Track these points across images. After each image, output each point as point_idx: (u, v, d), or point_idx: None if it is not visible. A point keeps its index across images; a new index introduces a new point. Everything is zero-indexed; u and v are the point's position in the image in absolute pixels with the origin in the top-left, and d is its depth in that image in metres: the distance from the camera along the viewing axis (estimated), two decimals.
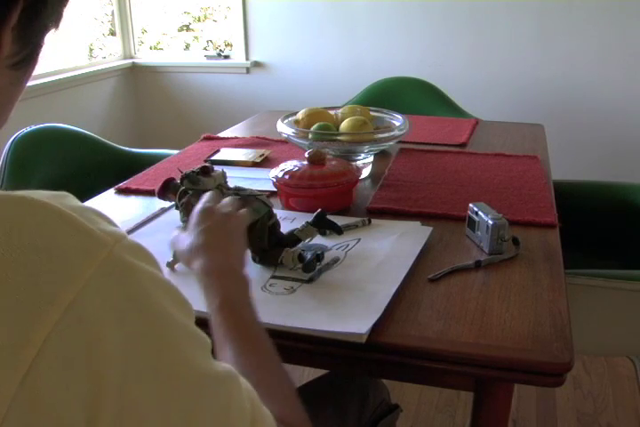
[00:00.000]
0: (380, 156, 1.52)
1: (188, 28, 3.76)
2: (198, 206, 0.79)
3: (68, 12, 0.45)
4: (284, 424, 0.51)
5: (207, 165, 0.96)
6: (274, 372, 0.60)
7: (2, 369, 0.33)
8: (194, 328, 0.44)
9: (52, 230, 0.37)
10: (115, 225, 0.42)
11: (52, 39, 0.46)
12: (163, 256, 0.95)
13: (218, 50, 3.52)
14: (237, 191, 0.96)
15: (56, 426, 0.35)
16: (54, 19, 0.44)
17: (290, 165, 1.17)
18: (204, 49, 3.68)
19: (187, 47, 3.76)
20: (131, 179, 1.36)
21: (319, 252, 0.92)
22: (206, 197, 0.82)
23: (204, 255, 0.72)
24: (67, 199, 0.41)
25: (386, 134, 1.36)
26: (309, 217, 0.96)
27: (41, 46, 0.45)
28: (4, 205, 0.37)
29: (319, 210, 0.96)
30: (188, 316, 0.44)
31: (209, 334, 0.49)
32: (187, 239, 0.76)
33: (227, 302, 0.66)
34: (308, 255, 0.89)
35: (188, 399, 0.40)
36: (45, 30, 0.44)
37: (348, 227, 1.07)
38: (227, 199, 0.82)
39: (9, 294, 0.34)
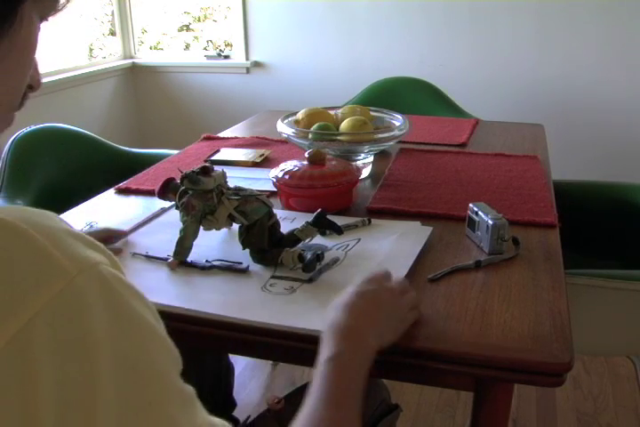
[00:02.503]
0: (380, 156, 1.52)
1: (187, 28, 3.76)
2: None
3: None
4: None
5: (207, 165, 0.96)
6: None
7: None
8: (171, 381, 0.39)
9: (9, 253, 0.34)
10: (97, 250, 0.39)
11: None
12: (163, 255, 0.96)
13: (218, 50, 3.52)
14: (237, 191, 0.96)
15: None
16: None
17: (290, 165, 1.17)
18: (204, 49, 3.68)
19: (187, 47, 3.76)
20: (131, 179, 1.36)
21: (319, 252, 0.91)
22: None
23: (344, 313, 0.68)
24: (45, 219, 0.38)
25: (386, 134, 1.36)
26: (309, 217, 0.96)
27: (10, 20, 0.40)
28: None
29: (319, 210, 0.96)
30: (167, 364, 0.39)
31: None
32: (345, 296, 0.72)
33: (339, 358, 0.62)
34: (308, 255, 0.89)
35: None
36: (10, 1, 0.40)
37: (348, 227, 1.07)
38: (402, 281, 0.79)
39: None
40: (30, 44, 0.44)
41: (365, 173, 1.39)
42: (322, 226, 0.95)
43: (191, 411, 0.41)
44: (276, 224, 0.97)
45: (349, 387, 0.60)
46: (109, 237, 1.00)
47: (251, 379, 1.91)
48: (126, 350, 0.36)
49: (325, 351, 0.64)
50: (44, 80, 2.69)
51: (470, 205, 1.04)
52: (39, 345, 0.33)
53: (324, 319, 0.69)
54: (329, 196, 1.15)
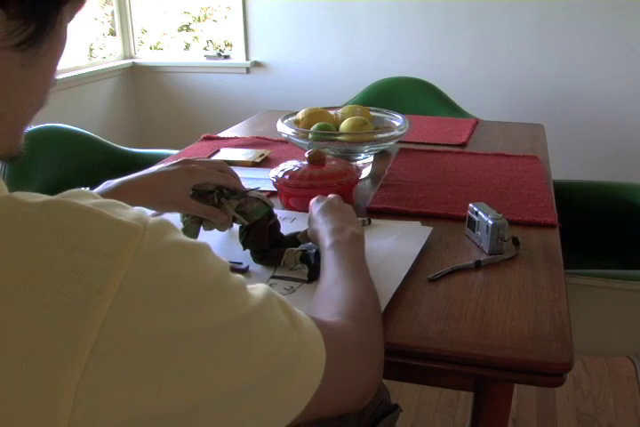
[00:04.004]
0: (380, 156, 1.52)
1: (187, 28, 3.76)
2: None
3: None
4: (349, 318, 0.61)
5: None
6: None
7: (62, 361, 0.35)
8: (229, 280, 0.46)
9: (88, 228, 0.38)
10: (131, 209, 0.43)
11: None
12: None
13: (218, 50, 3.52)
14: (237, 191, 0.96)
15: (125, 414, 0.36)
16: None
17: (290, 165, 1.17)
18: (204, 49, 3.68)
19: (187, 47, 3.76)
20: None
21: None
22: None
23: (322, 223, 0.87)
24: (86, 196, 0.42)
25: (386, 134, 1.36)
26: None
27: (54, 20, 0.42)
28: (44, 210, 0.38)
29: None
30: (221, 271, 0.46)
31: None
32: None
33: (338, 243, 0.79)
34: (311, 257, 0.89)
35: (238, 341, 0.43)
36: (53, 4, 0.41)
37: None
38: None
39: (59, 290, 0.36)
40: (64, 43, 0.46)
41: (365, 173, 1.39)
42: None
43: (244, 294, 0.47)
44: (277, 224, 0.97)
45: (358, 258, 0.78)
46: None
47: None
48: (205, 279, 0.43)
49: (326, 242, 0.81)
50: None
51: (470, 205, 1.04)
52: (141, 291, 0.38)
53: (309, 231, 0.91)
54: None
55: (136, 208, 0.43)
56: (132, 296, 0.37)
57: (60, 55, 0.47)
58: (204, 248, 0.45)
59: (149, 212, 0.99)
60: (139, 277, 0.38)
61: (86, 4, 0.46)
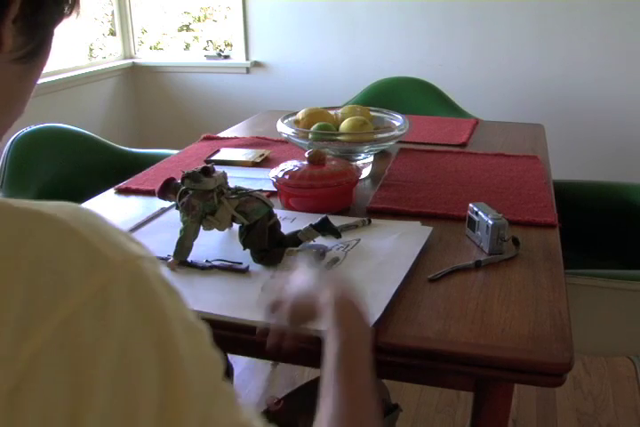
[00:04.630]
0: (380, 156, 1.52)
1: (187, 28, 3.76)
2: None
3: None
4: None
5: (208, 165, 0.96)
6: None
7: None
8: (214, 382, 0.40)
9: (58, 245, 0.36)
10: (139, 244, 0.40)
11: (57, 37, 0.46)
12: (163, 255, 0.96)
13: (218, 50, 3.52)
14: (237, 191, 0.96)
15: None
16: (64, 8, 0.42)
17: (290, 165, 1.17)
18: (204, 49, 3.68)
19: (187, 47, 3.75)
20: (131, 179, 1.36)
21: (321, 250, 0.91)
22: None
23: (338, 288, 0.67)
24: (87, 215, 0.40)
25: (386, 134, 1.36)
26: (309, 217, 0.96)
27: (50, 38, 0.43)
28: (14, 218, 0.37)
29: (325, 216, 0.96)
30: (209, 369, 0.40)
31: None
32: (305, 275, 0.72)
33: (349, 343, 0.63)
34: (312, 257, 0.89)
35: None
36: (54, 21, 0.42)
37: (348, 227, 1.07)
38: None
39: (10, 307, 0.34)
40: (48, 58, 0.47)
41: (365, 173, 1.39)
42: (324, 230, 0.96)
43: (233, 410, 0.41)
44: (277, 224, 0.97)
45: (364, 382, 0.61)
46: None
47: (251, 379, 1.91)
48: (175, 337, 0.37)
49: (335, 334, 0.64)
50: (45, 80, 2.70)
51: (470, 205, 1.04)
52: (92, 328, 0.34)
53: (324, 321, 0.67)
54: (329, 196, 1.15)
55: (144, 245, 0.40)
56: (77, 332, 0.34)
57: (44, 67, 0.47)
58: (200, 330, 0.41)
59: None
60: (93, 314, 0.34)
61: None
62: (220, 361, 0.42)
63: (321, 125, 1.39)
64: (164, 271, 0.41)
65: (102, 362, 0.34)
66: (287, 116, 1.46)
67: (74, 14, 0.44)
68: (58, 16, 0.42)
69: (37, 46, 0.42)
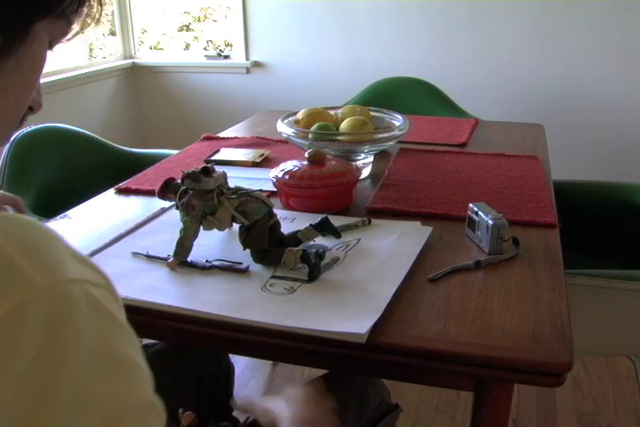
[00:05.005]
0: (380, 156, 1.52)
1: (188, 28, 3.76)
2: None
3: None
4: None
5: (208, 165, 0.96)
6: None
7: None
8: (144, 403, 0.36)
9: None
10: (90, 268, 0.37)
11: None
12: (163, 255, 0.96)
13: (218, 50, 3.52)
14: (237, 191, 0.96)
15: None
16: (50, 6, 0.41)
17: (290, 165, 1.17)
18: (204, 49, 3.68)
19: (187, 47, 3.76)
20: (131, 179, 1.36)
21: (321, 250, 0.91)
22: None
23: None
24: (27, 230, 0.36)
25: (386, 134, 1.36)
26: (309, 217, 0.96)
27: (19, 37, 0.41)
28: None
29: (325, 216, 0.96)
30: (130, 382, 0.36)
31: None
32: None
33: None
34: (311, 256, 0.89)
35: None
36: (31, 17, 0.41)
37: (348, 227, 1.07)
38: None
39: None
40: (37, 65, 0.45)
41: (365, 173, 1.39)
42: (324, 230, 0.96)
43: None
44: (277, 224, 0.97)
45: None
46: None
47: (251, 379, 1.91)
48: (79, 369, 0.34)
49: None
50: (45, 80, 2.69)
51: (470, 205, 1.04)
52: None
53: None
54: (329, 196, 1.15)
55: (100, 271, 0.37)
56: None
57: (34, 77, 0.45)
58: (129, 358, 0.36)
59: None
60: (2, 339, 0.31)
61: (77, 37, 0.46)
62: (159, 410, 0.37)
63: (321, 125, 1.39)
64: (111, 298, 0.37)
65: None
66: (287, 116, 1.46)
67: (73, 17, 0.43)
68: (38, 12, 0.41)
69: (7, 42, 0.40)
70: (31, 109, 0.49)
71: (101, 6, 0.45)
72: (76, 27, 0.46)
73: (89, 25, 0.45)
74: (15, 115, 0.45)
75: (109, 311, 0.36)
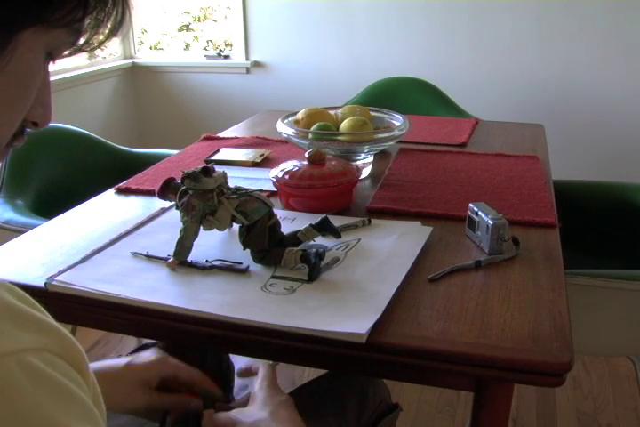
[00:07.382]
0: (380, 156, 1.52)
1: (187, 28, 3.76)
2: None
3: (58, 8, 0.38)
4: None
5: (208, 166, 0.96)
6: None
7: None
8: None
9: None
10: (36, 332, 0.34)
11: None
12: (163, 255, 0.96)
13: (218, 50, 3.52)
14: (237, 191, 0.96)
15: None
16: (41, 13, 0.38)
17: (290, 165, 1.17)
18: (204, 49, 3.68)
19: (187, 47, 3.75)
20: (131, 179, 1.36)
21: (321, 250, 0.91)
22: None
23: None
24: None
25: (386, 134, 1.36)
26: (309, 217, 0.96)
27: (12, 41, 0.38)
28: None
29: (325, 216, 0.96)
30: None
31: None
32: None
33: None
34: (311, 256, 0.89)
35: None
36: (15, 22, 0.38)
37: (348, 227, 1.07)
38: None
39: None
40: (27, 78, 0.42)
41: (365, 173, 1.39)
42: (324, 230, 0.96)
43: None
44: (277, 224, 0.97)
45: None
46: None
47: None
48: None
49: None
50: None
51: (470, 205, 1.04)
52: None
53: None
54: (329, 196, 1.15)
55: (51, 331, 0.34)
56: None
57: (25, 90, 0.42)
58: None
59: None
60: None
61: (88, 50, 0.43)
62: None
63: (321, 125, 1.39)
64: (59, 361, 0.34)
65: None
66: (287, 116, 1.46)
67: (79, 26, 0.40)
68: (27, 18, 0.38)
69: None
70: (35, 125, 0.46)
71: (123, 11, 0.41)
72: (92, 35, 0.43)
73: (113, 34, 0.42)
74: (4, 131, 0.42)
75: (52, 378, 0.33)
